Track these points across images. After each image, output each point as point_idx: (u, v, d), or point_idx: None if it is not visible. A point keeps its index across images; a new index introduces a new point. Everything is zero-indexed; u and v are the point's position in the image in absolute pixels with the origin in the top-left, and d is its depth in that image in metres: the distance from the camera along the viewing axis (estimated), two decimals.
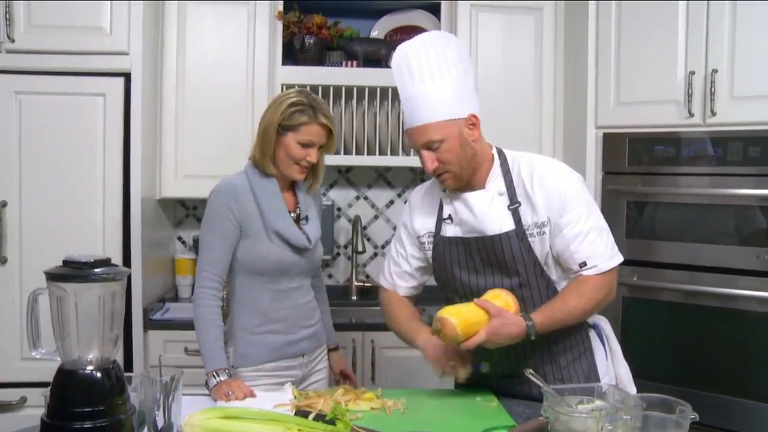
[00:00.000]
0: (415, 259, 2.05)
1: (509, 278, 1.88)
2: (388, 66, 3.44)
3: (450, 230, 1.93)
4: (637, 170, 2.78)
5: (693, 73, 2.64)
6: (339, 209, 3.61)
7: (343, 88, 3.26)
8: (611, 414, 1.49)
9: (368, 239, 3.62)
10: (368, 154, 3.29)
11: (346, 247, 3.60)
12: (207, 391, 1.96)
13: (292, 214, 2.16)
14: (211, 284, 2.06)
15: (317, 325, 2.25)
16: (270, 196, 2.11)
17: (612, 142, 2.86)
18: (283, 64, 3.23)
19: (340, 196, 3.62)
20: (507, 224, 1.85)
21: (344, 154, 3.30)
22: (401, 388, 2.30)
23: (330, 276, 3.60)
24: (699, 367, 2.64)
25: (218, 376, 1.95)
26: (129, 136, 2.80)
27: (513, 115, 3.19)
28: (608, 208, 2.85)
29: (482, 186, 1.89)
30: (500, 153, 1.93)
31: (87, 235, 2.76)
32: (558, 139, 3.23)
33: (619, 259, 1.88)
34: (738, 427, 2.54)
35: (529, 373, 1.73)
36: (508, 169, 1.89)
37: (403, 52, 1.88)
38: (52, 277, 1.40)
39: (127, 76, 2.79)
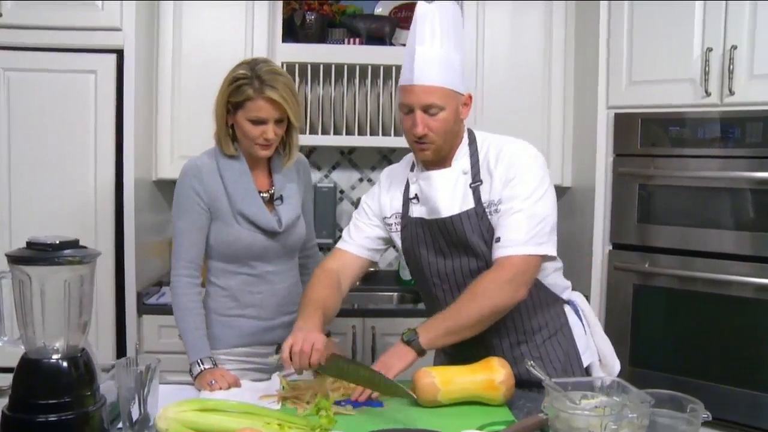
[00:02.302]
0: (377, 228, 1.97)
1: (475, 260, 1.82)
2: (392, 44, 3.36)
3: (416, 210, 1.89)
4: (649, 152, 2.67)
5: (710, 49, 2.51)
6: (342, 192, 3.51)
7: (346, 67, 3.16)
8: (616, 411, 1.38)
9: None
10: (371, 134, 3.18)
11: None
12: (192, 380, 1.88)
13: (265, 195, 2.03)
14: (187, 272, 1.97)
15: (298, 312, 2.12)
16: (238, 176, 1.99)
17: (624, 123, 2.74)
18: (283, 42, 3.13)
19: (343, 178, 3.51)
20: (467, 203, 1.81)
21: (346, 134, 3.20)
22: (401, 377, 2.20)
23: None
24: (715, 359, 2.54)
25: (202, 364, 1.87)
26: (122, 116, 2.71)
27: (521, 95, 3.07)
28: (619, 191, 2.74)
29: (449, 164, 1.85)
30: (470, 133, 1.89)
31: (79, 217, 2.69)
32: (568, 120, 3.10)
33: (539, 251, 1.74)
34: (749, 420, 2.43)
35: (530, 365, 1.65)
36: (476, 148, 1.86)
37: (429, 8, 1.81)
38: (14, 259, 1.32)
39: (119, 53, 2.70)
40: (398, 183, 1.96)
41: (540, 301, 1.87)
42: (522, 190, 1.75)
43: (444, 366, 1.76)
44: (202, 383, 1.82)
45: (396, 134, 3.19)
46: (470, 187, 1.81)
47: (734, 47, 2.45)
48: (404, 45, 3.21)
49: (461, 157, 1.85)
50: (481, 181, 1.81)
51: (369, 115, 3.17)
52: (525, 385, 1.78)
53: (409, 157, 1.97)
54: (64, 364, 1.33)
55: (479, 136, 1.88)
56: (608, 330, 2.76)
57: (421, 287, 1.98)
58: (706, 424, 2.42)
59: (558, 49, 3.09)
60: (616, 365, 1.98)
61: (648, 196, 2.68)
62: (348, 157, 3.51)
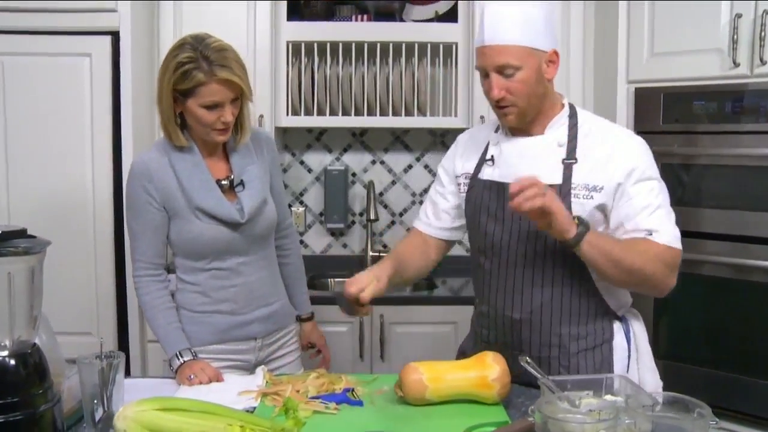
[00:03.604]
0: (453, 195, 1.88)
1: (534, 240, 1.67)
2: (402, 20, 3.22)
3: (487, 173, 1.76)
4: (673, 129, 2.48)
5: (739, 16, 2.31)
6: (354, 174, 3.39)
7: (354, 45, 3.04)
8: (611, 416, 1.24)
9: (385, 206, 3.39)
10: (381, 115, 3.06)
11: (361, 214, 3.39)
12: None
13: (225, 182, 1.89)
14: (146, 272, 1.87)
15: (277, 304, 2.00)
16: (191, 168, 1.85)
17: (645, 98, 2.56)
18: (288, 20, 3.01)
19: (355, 160, 3.39)
20: (554, 177, 1.66)
21: (356, 115, 3.08)
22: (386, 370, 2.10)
23: (345, 246, 3.41)
24: (741, 351, 2.36)
25: (181, 357, 1.78)
26: (120, 101, 2.64)
27: None
28: None
29: (541, 132, 1.72)
30: (571, 106, 1.77)
31: (76, 206, 2.64)
32: (588, 95, 2.93)
33: (680, 247, 1.66)
34: None
35: (525, 361, 1.53)
36: (576, 122, 1.72)
37: None
38: None
39: (115, 35, 2.62)
40: (477, 144, 1.84)
41: (588, 309, 1.71)
42: (652, 185, 1.66)
43: (433, 361, 1.63)
44: (181, 378, 1.74)
45: (407, 114, 3.06)
46: (563, 162, 1.67)
47: (766, 12, 2.25)
48: (415, 21, 3.13)
49: (558, 128, 1.71)
50: (575, 160, 1.67)
51: (379, 94, 3.04)
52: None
53: (495, 119, 1.82)
54: (12, 361, 1.25)
55: (581, 113, 1.76)
56: None
57: (473, 258, 1.84)
58: (740, 421, 2.32)
59: (576, 21, 2.91)
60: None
61: (672, 176, 2.49)
62: (360, 139, 3.39)
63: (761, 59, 2.28)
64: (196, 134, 1.85)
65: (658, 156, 2.48)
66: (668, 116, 2.49)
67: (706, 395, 2.24)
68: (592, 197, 1.65)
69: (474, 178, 1.80)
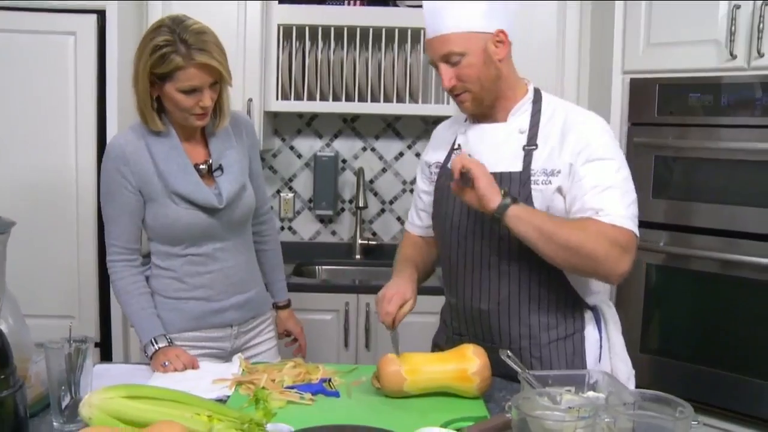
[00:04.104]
0: (426, 194, 1.86)
1: (498, 228, 1.61)
2: (395, 4, 3.15)
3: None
4: (667, 121, 2.44)
5: (738, 7, 2.26)
6: (344, 161, 3.35)
7: (346, 29, 2.98)
8: (590, 414, 1.21)
9: (375, 194, 3.35)
10: (372, 101, 3.01)
11: (351, 202, 3.34)
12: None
13: (203, 167, 1.84)
14: (121, 257, 1.82)
15: (253, 291, 1.96)
16: (168, 151, 1.79)
17: (640, 89, 2.51)
18: (279, 2, 2.96)
19: (345, 146, 3.35)
20: (514, 165, 1.64)
21: (347, 101, 3.03)
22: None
23: (333, 233, 3.37)
24: (730, 347, 2.33)
25: (156, 343, 1.74)
26: (105, 82, 2.58)
27: (533, 58, 2.82)
28: (634, 163, 2.46)
29: (504, 119, 1.69)
30: (537, 92, 1.73)
31: (59, 188, 2.59)
32: (582, 85, 2.88)
33: (635, 228, 1.58)
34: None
35: (506, 355, 1.49)
36: (540, 108, 1.69)
37: None
38: None
39: (101, 14, 2.57)
40: (450, 133, 1.82)
41: (558, 299, 1.68)
42: (606, 164, 1.59)
43: (412, 353, 1.60)
44: (155, 364, 1.70)
45: (399, 101, 3.01)
46: (523, 149, 1.64)
47: (765, 4, 2.20)
48: (409, 6, 3.07)
49: (521, 114, 1.69)
50: (536, 146, 1.64)
51: (370, 80, 3.00)
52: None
53: None
54: None
55: (546, 97, 1.72)
56: (619, 312, 2.58)
57: (440, 249, 1.81)
58: (728, 419, 2.29)
59: (572, 10, 2.86)
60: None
61: (665, 168, 2.46)
62: (351, 125, 3.34)
63: (759, 51, 2.23)
64: (174, 119, 1.80)
65: (651, 148, 2.48)
66: (663, 108, 2.45)
67: (691, 391, 2.25)
68: (550, 182, 1.61)
69: (443, 167, 1.78)
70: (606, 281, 1.65)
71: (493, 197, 1.51)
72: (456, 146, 1.75)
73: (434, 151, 1.85)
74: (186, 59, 1.67)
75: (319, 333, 2.73)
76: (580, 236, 1.52)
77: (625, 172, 1.62)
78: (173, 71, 1.68)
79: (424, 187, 1.87)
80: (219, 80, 1.75)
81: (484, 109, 1.69)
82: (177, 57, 1.67)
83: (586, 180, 1.58)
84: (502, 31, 1.62)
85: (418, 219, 1.91)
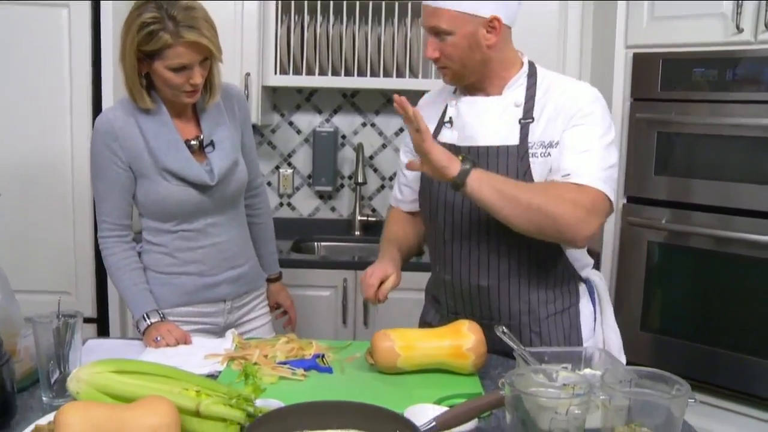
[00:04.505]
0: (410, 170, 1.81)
1: None
2: None
3: (446, 135, 1.69)
4: (671, 96, 2.40)
5: None
6: (344, 137, 3.31)
7: (345, 3, 2.94)
8: (584, 391, 1.19)
9: (375, 170, 3.32)
10: (372, 76, 2.97)
11: (350, 177, 3.31)
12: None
13: (194, 143, 1.80)
14: (111, 233, 1.79)
15: (247, 265, 1.94)
16: (159, 127, 1.75)
17: (643, 64, 2.46)
18: None
19: (345, 122, 3.31)
20: (511, 138, 1.61)
21: (346, 75, 2.99)
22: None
23: (333, 209, 3.34)
24: (729, 326, 2.31)
25: (148, 318, 1.73)
26: (100, 56, 2.55)
27: (534, 33, 2.78)
28: (636, 139, 2.49)
29: (499, 92, 1.66)
30: (531, 65, 1.69)
31: (54, 165, 2.58)
32: (585, 60, 2.83)
33: (611, 195, 1.55)
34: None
35: (501, 332, 1.48)
36: (535, 82, 1.66)
37: None
38: None
39: None
40: (437, 105, 1.77)
41: (555, 273, 1.67)
42: (593, 132, 1.57)
43: (406, 329, 1.58)
44: (147, 339, 1.69)
45: (399, 76, 2.97)
46: (519, 122, 1.62)
47: None
48: None
49: (516, 88, 1.65)
50: (532, 119, 1.61)
51: (370, 55, 2.95)
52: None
53: None
54: None
55: (540, 71, 1.69)
56: (619, 291, 2.59)
57: (428, 229, 1.78)
58: (727, 398, 2.27)
59: None
60: (621, 360, 1.74)
61: (668, 145, 2.42)
62: (350, 101, 3.30)
63: (767, 25, 2.18)
64: (164, 96, 1.76)
65: (654, 124, 2.43)
66: (667, 83, 2.40)
67: (690, 370, 2.23)
68: (549, 154, 1.58)
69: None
70: (572, 245, 1.61)
71: (451, 164, 1.48)
72: (447, 119, 1.71)
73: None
74: (174, 37, 1.62)
75: (317, 309, 2.72)
76: (543, 198, 1.50)
77: (608, 139, 1.59)
78: (161, 49, 1.63)
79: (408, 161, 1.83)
80: (209, 57, 1.71)
81: (467, 84, 1.67)
82: (165, 34, 1.62)
83: (567, 143, 1.56)
84: (496, 18, 1.57)
85: (400, 194, 1.89)
